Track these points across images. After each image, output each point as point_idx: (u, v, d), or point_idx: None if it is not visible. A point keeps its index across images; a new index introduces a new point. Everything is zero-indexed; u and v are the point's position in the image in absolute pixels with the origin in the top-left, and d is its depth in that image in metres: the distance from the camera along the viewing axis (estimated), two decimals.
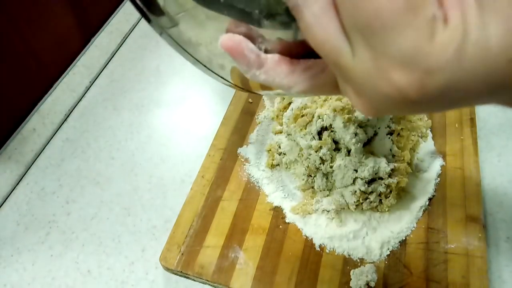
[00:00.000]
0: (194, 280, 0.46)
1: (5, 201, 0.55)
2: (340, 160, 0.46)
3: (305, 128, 0.49)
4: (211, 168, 0.53)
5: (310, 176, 0.49)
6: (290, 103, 0.55)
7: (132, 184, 0.55)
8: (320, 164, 0.47)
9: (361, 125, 0.46)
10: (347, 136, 0.45)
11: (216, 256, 0.46)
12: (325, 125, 0.47)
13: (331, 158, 0.47)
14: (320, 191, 0.49)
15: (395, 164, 0.46)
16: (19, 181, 0.57)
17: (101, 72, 0.70)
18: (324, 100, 0.49)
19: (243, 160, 0.54)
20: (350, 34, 0.16)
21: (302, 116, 0.49)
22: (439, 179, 0.51)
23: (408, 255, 0.45)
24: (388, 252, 0.45)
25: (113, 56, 0.73)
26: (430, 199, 0.49)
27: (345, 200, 0.48)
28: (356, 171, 0.46)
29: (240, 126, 0.58)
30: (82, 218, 0.53)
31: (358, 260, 0.45)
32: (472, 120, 0.55)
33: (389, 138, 0.48)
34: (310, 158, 0.47)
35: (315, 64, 0.20)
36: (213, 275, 0.45)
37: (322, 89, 0.21)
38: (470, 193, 0.49)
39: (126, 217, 0.52)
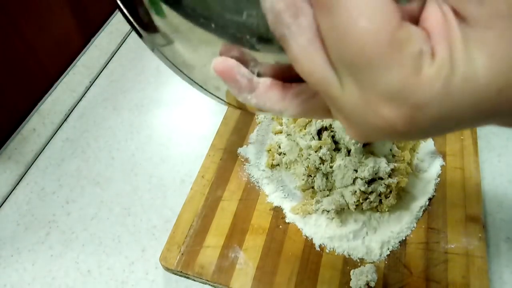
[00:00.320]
0: (194, 280, 0.46)
1: (5, 201, 0.55)
2: (340, 160, 0.46)
3: (305, 128, 0.49)
4: (211, 168, 0.53)
5: (310, 176, 0.49)
6: None
7: (132, 184, 0.55)
8: (320, 164, 0.47)
9: None
10: (347, 136, 0.45)
11: (216, 256, 0.46)
12: (324, 125, 0.47)
13: (331, 158, 0.47)
14: (320, 191, 0.49)
15: (395, 164, 0.46)
16: (19, 181, 0.57)
17: (101, 72, 0.70)
18: None
19: (243, 160, 0.54)
20: (337, 68, 0.16)
21: None
22: (439, 179, 0.51)
23: (408, 255, 0.45)
24: (388, 252, 0.45)
25: (113, 56, 0.73)
26: (430, 199, 0.49)
27: (345, 200, 0.48)
28: (356, 171, 0.46)
29: (240, 126, 0.58)
30: (82, 218, 0.53)
31: (358, 260, 0.45)
32: None
33: None
34: (310, 158, 0.47)
35: (307, 89, 0.20)
36: (213, 275, 0.45)
37: (314, 114, 0.21)
38: (470, 193, 0.49)
39: (126, 217, 0.52)
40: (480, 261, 0.44)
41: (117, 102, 0.66)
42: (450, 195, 0.49)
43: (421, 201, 0.49)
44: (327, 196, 0.49)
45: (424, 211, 0.48)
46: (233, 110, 0.59)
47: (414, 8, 0.15)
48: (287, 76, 0.20)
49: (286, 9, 0.15)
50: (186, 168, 0.57)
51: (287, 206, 0.50)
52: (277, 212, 0.49)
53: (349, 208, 0.48)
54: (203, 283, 0.46)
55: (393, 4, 0.14)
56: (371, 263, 0.45)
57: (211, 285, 0.46)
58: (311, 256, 0.46)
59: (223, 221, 0.49)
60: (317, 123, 0.47)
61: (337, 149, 0.47)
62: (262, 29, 0.17)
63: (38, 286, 0.47)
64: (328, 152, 0.46)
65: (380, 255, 0.45)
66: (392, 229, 0.47)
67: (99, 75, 0.70)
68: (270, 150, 0.54)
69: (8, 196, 0.55)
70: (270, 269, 0.45)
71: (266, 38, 0.18)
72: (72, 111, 0.65)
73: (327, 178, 0.49)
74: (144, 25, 0.21)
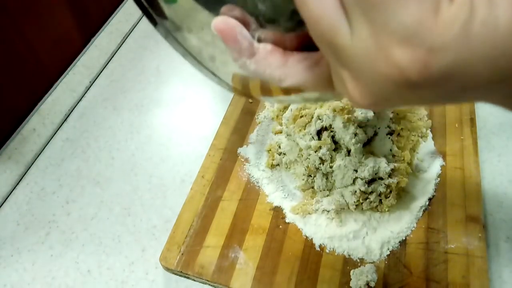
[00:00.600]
0: (194, 280, 0.46)
1: (5, 201, 0.55)
2: (340, 160, 0.46)
3: (304, 129, 0.49)
4: (211, 168, 0.53)
5: (310, 176, 0.49)
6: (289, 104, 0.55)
7: (132, 184, 0.55)
8: (320, 164, 0.47)
9: (361, 125, 0.46)
10: (347, 136, 0.45)
11: (216, 256, 0.46)
12: (324, 126, 0.47)
13: (331, 158, 0.47)
14: (320, 191, 0.49)
15: (395, 164, 0.46)
16: (19, 181, 0.57)
17: (101, 72, 0.70)
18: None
19: (243, 160, 0.54)
20: (349, 8, 0.15)
21: (301, 117, 0.49)
22: (439, 179, 0.51)
23: (408, 255, 0.45)
24: (388, 252, 0.45)
25: (113, 56, 0.73)
26: (430, 199, 0.49)
27: (345, 200, 0.48)
28: (356, 171, 0.46)
29: (240, 126, 0.58)
30: (82, 218, 0.53)
31: (358, 260, 0.45)
32: (472, 120, 0.55)
33: (389, 138, 0.48)
34: (309, 158, 0.47)
35: (309, 57, 0.19)
36: (213, 275, 0.45)
37: (315, 84, 0.20)
38: (470, 193, 0.49)
39: (126, 217, 0.52)
40: (480, 261, 0.44)
41: (117, 102, 0.66)
42: (450, 195, 0.49)
43: (421, 201, 0.49)
44: (327, 196, 0.49)
45: (424, 211, 0.48)
46: (233, 110, 0.59)
47: None
48: (288, 46, 0.20)
49: None
50: (186, 168, 0.57)
51: (287, 206, 0.50)
52: (277, 212, 0.49)
53: (349, 208, 0.48)
54: (203, 283, 0.46)
55: None
56: (371, 263, 0.45)
57: (211, 285, 0.46)
58: (311, 256, 0.46)
59: (223, 221, 0.49)
60: (316, 123, 0.47)
61: (337, 149, 0.47)
62: None
63: (38, 286, 0.47)
64: (328, 152, 0.46)
65: (380, 255, 0.45)
66: (392, 229, 0.47)
67: (99, 75, 0.70)
68: (270, 150, 0.54)
69: (8, 196, 0.55)
70: (270, 269, 0.45)
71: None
72: (72, 111, 0.65)
73: (327, 178, 0.49)
74: (159, 11, 0.21)
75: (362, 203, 0.47)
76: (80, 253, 0.49)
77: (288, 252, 0.46)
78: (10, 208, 0.54)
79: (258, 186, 0.52)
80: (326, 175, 0.48)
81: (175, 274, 0.47)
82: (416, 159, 0.52)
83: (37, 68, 0.61)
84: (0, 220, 0.53)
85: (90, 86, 0.68)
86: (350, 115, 0.46)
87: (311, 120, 0.48)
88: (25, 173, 0.58)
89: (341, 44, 0.16)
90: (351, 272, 0.44)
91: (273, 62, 0.19)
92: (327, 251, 0.46)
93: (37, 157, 0.59)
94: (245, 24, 0.19)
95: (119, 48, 0.74)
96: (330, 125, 0.47)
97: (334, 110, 0.46)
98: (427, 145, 0.53)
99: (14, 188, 0.56)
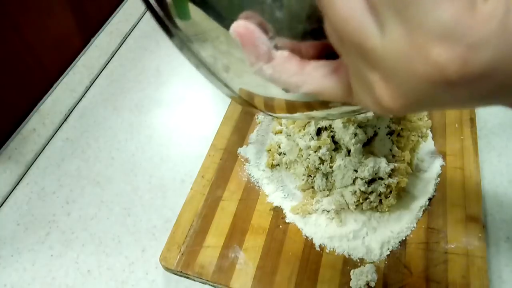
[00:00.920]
0: (194, 280, 0.46)
1: (5, 201, 0.55)
2: (340, 160, 0.46)
3: (304, 129, 0.49)
4: (211, 168, 0.53)
5: (310, 176, 0.49)
6: None
7: (132, 184, 0.55)
8: (320, 164, 0.47)
9: (360, 125, 0.46)
10: (347, 136, 0.45)
11: (216, 256, 0.46)
12: (324, 126, 0.47)
13: (331, 158, 0.47)
14: (320, 191, 0.49)
15: (395, 164, 0.46)
16: (19, 181, 0.57)
17: (101, 72, 0.70)
18: None
19: (243, 160, 0.54)
20: (379, 7, 0.14)
21: None
22: (439, 179, 0.51)
23: (408, 255, 0.45)
24: (388, 252, 0.45)
25: (113, 56, 0.73)
26: (430, 199, 0.49)
27: (345, 200, 0.48)
28: (356, 171, 0.46)
29: (240, 126, 0.58)
30: (82, 218, 0.53)
31: (358, 260, 0.45)
32: (472, 120, 0.55)
33: (389, 138, 0.48)
34: (309, 158, 0.47)
35: (327, 65, 0.19)
36: (213, 275, 0.45)
37: (332, 92, 0.19)
38: (470, 193, 0.49)
39: (126, 217, 0.52)
40: (480, 261, 0.44)
41: (117, 102, 0.66)
42: (450, 195, 0.49)
43: (421, 201, 0.49)
44: (327, 196, 0.49)
45: (424, 211, 0.48)
46: (233, 110, 0.59)
47: None
48: (305, 55, 0.19)
49: None
50: (186, 168, 0.57)
51: (287, 206, 0.50)
52: (277, 212, 0.49)
53: (349, 208, 0.48)
54: (203, 283, 0.46)
55: None
56: (371, 263, 0.45)
57: (211, 285, 0.46)
58: (311, 256, 0.46)
59: (223, 221, 0.49)
60: (316, 123, 0.47)
61: (337, 149, 0.47)
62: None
63: (38, 286, 0.47)
64: (328, 152, 0.46)
65: (380, 255, 0.45)
66: (392, 229, 0.47)
67: (99, 75, 0.70)
68: (270, 150, 0.54)
69: (8, 196, 0.55)
70: (270, 269, 0.45)
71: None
72: (72, 111, 0.65)
73: (327, 178, 0.49)
74: (175, 24, 0.21)
75: (362, 203, 0.47)
76: (80, 253, 0.49)
77: (288, 252, 0.46)
78: (10, 208, 0.54)
79: (258, 186, 0.52)
80: (326, 175, 0.48)
81: (175, 274, 0.47)
82: (416, 159, 0.52)
83: (37, 68, 0.61)
84: (0, 220, 0.53)
85: (90, 86, 0.68)
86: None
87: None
88: (25, 173, 0.58)
89: (371, 45, 0.15)
90: (351, 272, 0.44)
91: (290, 68, 0.19)
92: (327, 251, 0.46)
93: (37, 157, 0.59)
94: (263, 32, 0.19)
95: (119, 48, 0.74)
96: (330, 125, 0.47)
97: None
98: (427, 145, 0.53)
99: (14, 188, 0.56)
